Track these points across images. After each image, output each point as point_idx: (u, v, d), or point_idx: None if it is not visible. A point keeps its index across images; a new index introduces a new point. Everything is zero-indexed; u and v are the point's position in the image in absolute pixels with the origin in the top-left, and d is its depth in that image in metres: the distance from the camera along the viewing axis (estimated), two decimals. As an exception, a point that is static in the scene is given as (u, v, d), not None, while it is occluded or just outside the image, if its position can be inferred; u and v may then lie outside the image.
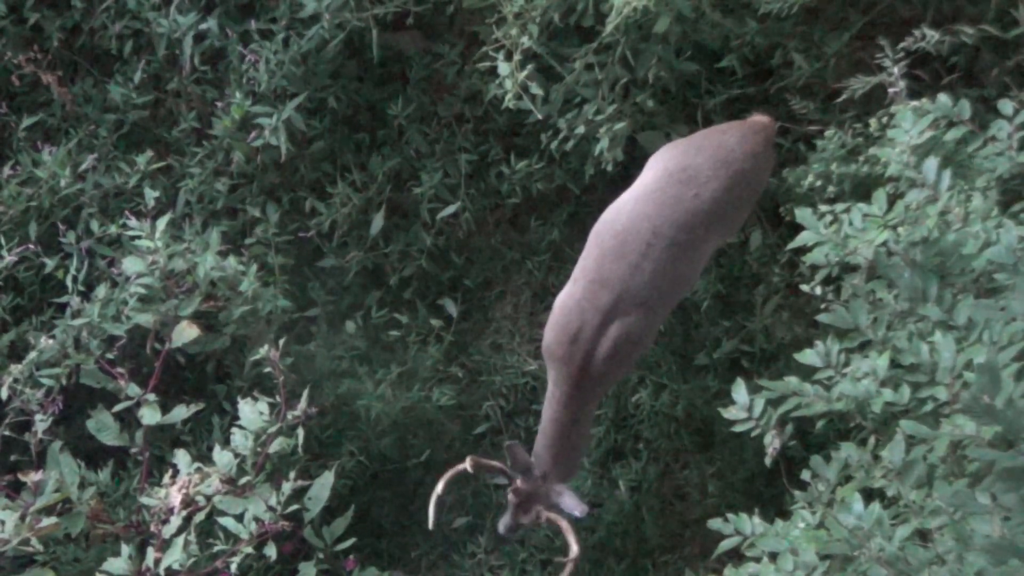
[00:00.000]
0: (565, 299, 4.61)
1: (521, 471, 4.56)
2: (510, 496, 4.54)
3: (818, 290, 3.89)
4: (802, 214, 3.97)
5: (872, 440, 3.70)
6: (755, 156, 4.60)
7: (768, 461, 3.90)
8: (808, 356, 3.80)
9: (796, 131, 5.13)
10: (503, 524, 4.64)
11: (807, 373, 3.78)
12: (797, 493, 3.79)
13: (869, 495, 3.48)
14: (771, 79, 5.18)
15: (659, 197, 4.53)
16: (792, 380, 3.75)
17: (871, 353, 3.71)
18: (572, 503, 4.50)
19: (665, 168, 4.61)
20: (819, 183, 4.62)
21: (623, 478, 5.49)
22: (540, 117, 5.09)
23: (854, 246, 3.80)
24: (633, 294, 4.48)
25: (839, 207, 3.99)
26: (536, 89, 5.00)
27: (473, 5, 5.26)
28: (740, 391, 3.89)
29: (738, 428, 3.89)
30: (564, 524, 4.48)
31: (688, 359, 5.52)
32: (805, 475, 3.76)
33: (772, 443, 3.85)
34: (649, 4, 4.57)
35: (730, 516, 3.72)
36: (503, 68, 5.05)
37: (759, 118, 4.80)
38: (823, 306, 3.90)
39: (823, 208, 4.03)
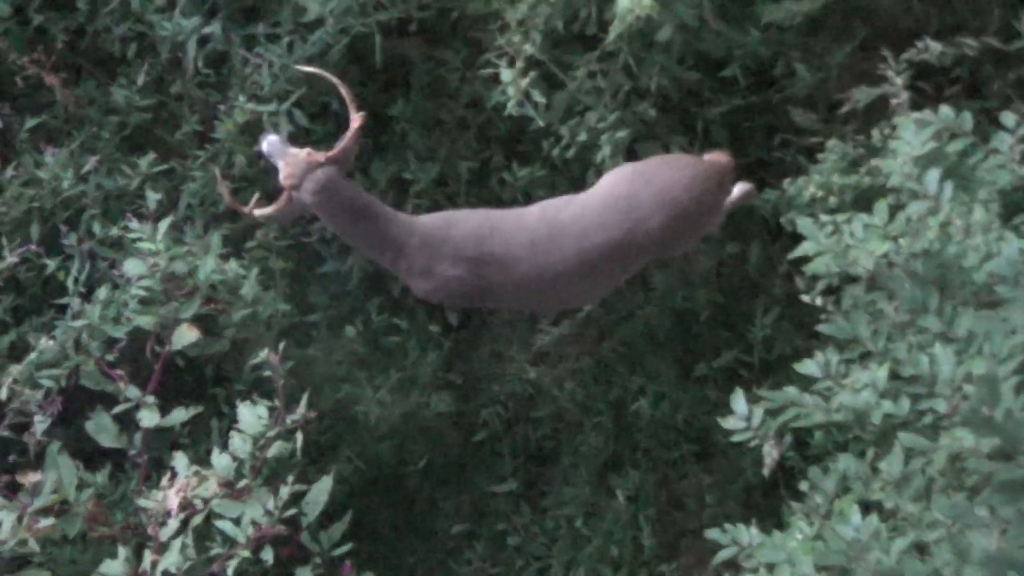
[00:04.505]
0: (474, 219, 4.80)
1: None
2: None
3: (818, 301, 3.90)
4: (803, 224, 3.98)
5: (871, 452, 3.70)
6: (702, 200, 4.61)
7: (766, 472, 3.90)
8: (808, 367, 3.80)
9: (797, 142, 5.13)
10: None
11: (806, 384, 3.78)
12: (795, 504, 3.79)
13: (867, 507, 3.48)
14: (773, 89, 5.18)
15: (597, 217, 4.60)
16: (791, 391, 3.75)
17: (871, 364, 3.71)
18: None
19: (611, 191, 4.66)
20: (820, 194, 4.62)
21: (621, 487, 5.48)
22: (542, 124, 5.09)
23: (855, 257, 3.81)
24: (516, 273, 4.64)
25: (840, 218, 4.00)
26: (539, 96, 5.01)
27: (477, 11, 5.26)
28: (739, 401, 3.88)
29: (737, 438, 3.89)
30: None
31: (688, 369, 5.52)
32: (803, 486, 3.76)
33: (770, 454, 3.85)
34: (652, 13, 4.57)
35: (727, 526, 3.72)
36: (506, 75, 5.05)
37: (717, 158, 4.80)
38: (823, 317, 3.90)
39: (824, 219, 4.03)
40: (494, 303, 5.00)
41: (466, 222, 4.75)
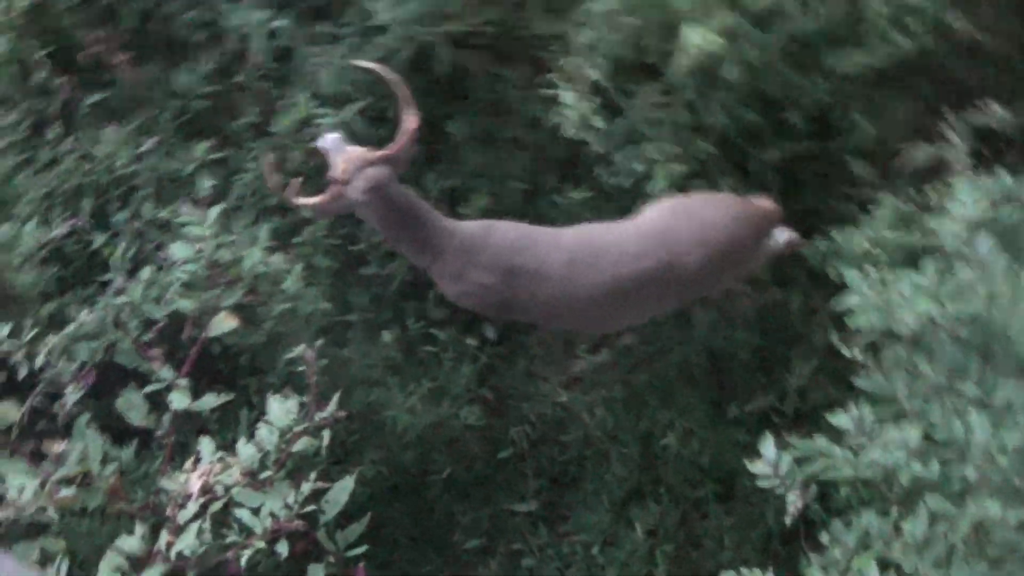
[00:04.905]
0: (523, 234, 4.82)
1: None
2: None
3: (858, 355, 3.88)
4: (850, 276, 3.95)
5: (895, 512, 3.67)
6: (741, 242, 4.64)
7: (788, 520, 3.87)
8: (841, 419, 3.77)
9: (851, 193, 5.12)
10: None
11: (837, 436, 3.75)
12: (813, 556, 3.76)
13: (886, 567, 3.45)
14: (832, 138, 5.17)
15: (635, 246, 4.62)
16: (822, 441, 3.73)
17: (904, 424, 3.68)
18: None
19: (653, 222, 4.69)
20: (870, 247, 4.59)
21: (641, 520, 5.46)
22: (598, 150, 5.09)
23: (899, 314, 3.78)
24: (548, 290, 4.66)
25: (888, 273, 3.98)
26: (598, 122, 5.01)
27: (544, 31, 5.27)
28: (768, 446, 3.86)
29: (762, 483, 3.86)
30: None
31: (719, 409, 5.50)
32: (824, 539, 3.74)
33: (794, 502, 3.82)
34: (719, 50, 4.57)
35: (744, 571, 3.70)
36: (567, 97, 5.06)
37: (764, 203, 4.81)
38: (861, 371, 3.87)
39: (871, 273, 4.01)
40: (523, 316, 5.00)
41: (504, 232, 4.78)
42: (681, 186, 5.04)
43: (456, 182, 5.74)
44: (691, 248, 4.54)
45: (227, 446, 4.66)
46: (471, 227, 4.82)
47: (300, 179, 4.93)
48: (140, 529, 4.45)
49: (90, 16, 5.82)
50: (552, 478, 5.73)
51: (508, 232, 4.79)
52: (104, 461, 4.66)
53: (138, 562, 4.35)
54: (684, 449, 5.48)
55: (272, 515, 4.35)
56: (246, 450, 4.53)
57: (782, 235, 4.86)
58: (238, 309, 4.97)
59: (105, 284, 5.24)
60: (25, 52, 5.66)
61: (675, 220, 4.63)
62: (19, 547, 4.41)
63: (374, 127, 5.56)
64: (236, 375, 5.17)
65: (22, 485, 4.44)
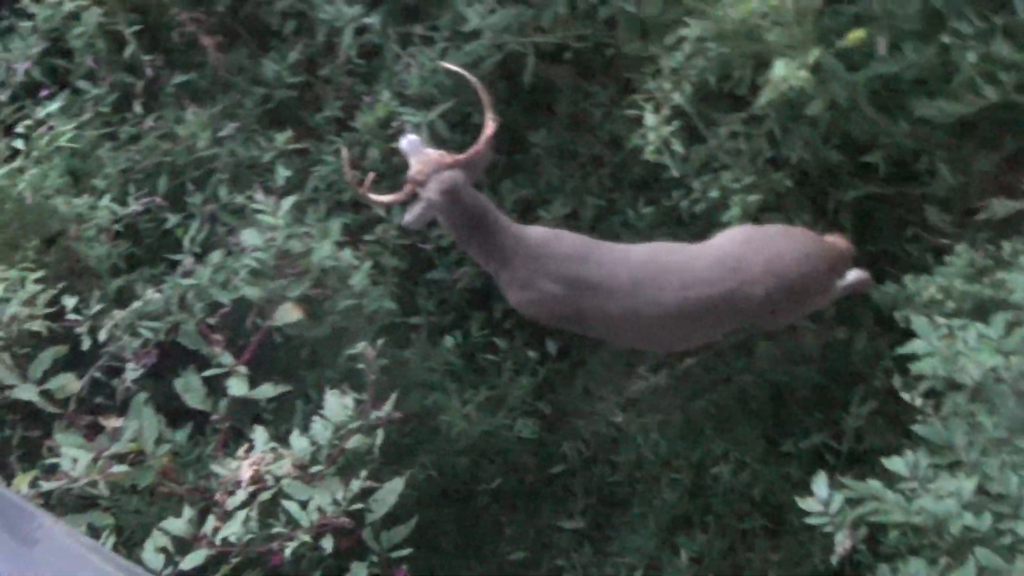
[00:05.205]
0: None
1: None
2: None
3: (918, 401, 3.86)
4: (918, 323, 3.94)
5: (944, 561, 3.64)
6: (810, 278, 4.61)
7: (835, 560, 3.85)
8: (895, 464, 3.76)
9: (927, 240, 5.08)
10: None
11: (891, 481, 3.74)
12: (857, 599, 3.76)
13: (931, 617, 3.44)
14: (912, 183, 5.13)
15: (704, 270, 4.61)
16: (875, 484, 3.71)
17: (959, 474, 3.66)
18: None
19: (724, 248, 4.67)
20: (940, 296, 4.56)
21: (686, 547, 5.43)
22: (676, 174, 5.07)
23: (963, 365, 3.76)
24: (612, 305, 4.66)
25: (956, 323, 3.96)
26: (678, 147, 4.99)
27: (633, 52, 5.27)
28: (820, 484, 3.85)
29: (811, 520, 3.85)
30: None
31: (774, 443, 5.47)
32: (869, 583, 3.72)
33: (843, 543, 3.80)
34: (806, 86, 4.55)
35: (787, 607, 3.69)
36: (649, 119, 5.04)
37: (837, 241, 4.78)
38: (920, 418, 3.86)
39: (939, 321, 3.99)
40: (584, 329, 4.99)
41: (572, 243, 4.79)
42: (756, 218, 5.02)
43: (531, 192, 5.74)
44: (760, 278, 4.52)
45: (281, 437, 4.67)
46: (538, 234, 4.82)
47: (375, 176, 4.95)
48: (188, 512, 4.47)
49: (186, -4, 5.88)
50: (601, 498, 5.71)
51: (574, 242, 4.80)
52: (158, 441, 4.70)
53: (183, 544, 4.37)
54: (736, 480, 5.45)
55: (320, 510, 4.36)
56: (299, 443, 4.54)
57: (853, 275, 4.83)
58: (303, 301, 4.99)
59: (174, 264, 5.27)
60: (116, 26, 5.69)
61: (747, 248, 4.61)
62: (67, 519, 4.43)
63: (456, 131, 5.57)
64: (295, 367, 5.18)
65: (76, 457, 4.47)
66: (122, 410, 4.81)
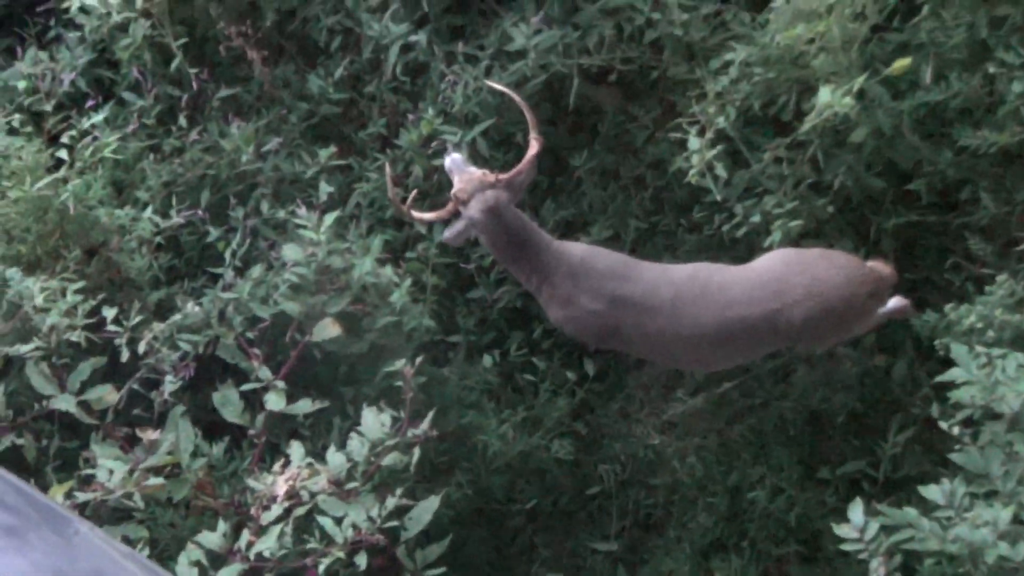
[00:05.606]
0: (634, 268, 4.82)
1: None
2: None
3: (956, 430, 3.85)
4: (957, 351, 3.93)
5: (979, 590, 3.64)
6: (851, 303, 4.58)
7: (869, 587, 3.86)
8: (932, 492, 3.75)
9: (968, 269, 5.06)
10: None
11: (927, 509, 3.73)
12: (893, 627, 3.73)
13: (966, 646, 3.42)
14: (954, 212, 5.12)
15: (745, 292, 4.60)
16: (911, 512, 3.71)
17: (996, 503, 3.65)
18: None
19: (766, 270, 4.66)
20: (980, 325, 4.54)
21: (721, 571, 5.42)
22: (719, 198, 5.06)
23: (1002, 394, 3.76)
24: (652, 323, 4.65)
25: (995, 352, 3.94)
26: (721, 170, 4.97)
27: (678, 76, 5.27)
28: (857, 511, 3.84)
29: (847, 547, 3.85)
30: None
31: (811, 469, 5.45)
32: (903, 611, 3.71)
33: (877, 570, 3.79)
34: (851, 112, 4.54)
35: (821, 634, 3.68)
36: (693, 143, 5.02)
37: (880, 267, 4.76)
38: (957, 446, 3.85)
39: (979, 350, 3.98)
40: (623, 347, 4.99)
41: (613, 261, 4.80)
42: (797, 243, 5.00)
43: (574, 214, 5.75)
44: (801, 300, 4.50)
45: (317, 452, 4.69)
46: (579, 251, 4.82)
47: (417, 193, 4.97)
48: (223, 526, 4.49)
49: (232, 10, 5.88)
50: (636, 520, 5.71)
51: (615, 260, 4.81)
52: (194, 454, 4.72)
53: (217, 558, 4.39)
54: (771, 505, 5.43)
55: (354, 526, 4.37)
56: (335, 459, 4.55)
57: (893, 302, 4.82)
58: (343, 317, 5.00)
59: (215, 277, 5.30)
60: (163, 39, 5.73)
61: (789, 271, 4.60)
62: (102, 531, 4.45)
63: (499, 150, 5.57)
64: (333, 383, 5.19)
65: (112, 469, 4.49)
66: (159, 423, 4.83)
